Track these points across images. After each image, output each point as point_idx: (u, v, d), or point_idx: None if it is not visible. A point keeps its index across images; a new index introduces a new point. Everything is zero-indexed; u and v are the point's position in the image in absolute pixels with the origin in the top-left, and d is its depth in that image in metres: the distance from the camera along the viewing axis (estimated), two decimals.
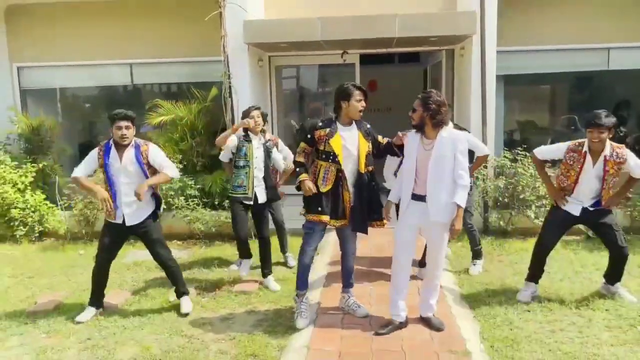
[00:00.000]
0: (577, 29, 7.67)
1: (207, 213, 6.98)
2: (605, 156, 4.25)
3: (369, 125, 4.19)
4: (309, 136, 4.05)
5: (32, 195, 7.30)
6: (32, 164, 7.54)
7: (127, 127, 4.22)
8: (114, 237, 4.43)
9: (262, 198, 5.07)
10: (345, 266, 4.36)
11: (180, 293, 4.64)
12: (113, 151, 4.28)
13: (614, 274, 4.55)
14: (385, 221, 4.14)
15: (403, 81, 11.10)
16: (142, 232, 4.44)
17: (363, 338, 3.87)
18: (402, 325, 4.00)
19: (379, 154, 4.23)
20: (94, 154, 4.34)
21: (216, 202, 7.06)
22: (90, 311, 4.48)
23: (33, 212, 7.22)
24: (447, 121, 3.77)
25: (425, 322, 4.06)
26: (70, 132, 8.80)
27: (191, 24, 7.75)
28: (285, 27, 6.69)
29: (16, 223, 7.13)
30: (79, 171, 4.31)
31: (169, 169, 4.37)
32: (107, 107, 8.99)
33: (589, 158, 4.30)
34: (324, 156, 4.02)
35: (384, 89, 12.42)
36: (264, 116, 5.19)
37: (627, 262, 4.51)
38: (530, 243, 4.98)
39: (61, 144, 8.30)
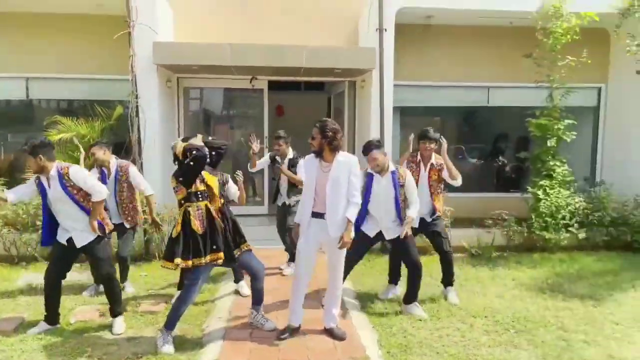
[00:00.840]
0: (462, 69, 8.62)
1: None
2: (431, 164, 5.24)
3: None
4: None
5: None
6: None
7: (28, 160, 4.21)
8: (62, 255, 4.40)
9: None
10: (256, 286, 4.49)
11: (116, 313, 4.56)
12: (44, 180, 4.25)
13: (445, 277, 5.38)
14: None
15: (308, 108, 11.57)
16: (89, 251, 4.41)
17: (271, 350, 4.06)
18: (298, 329, 4.38)
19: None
20: (31, 182, 4.34)
21: None
22: (43, 326, 4.48)
23: None
24: (342, 146, 4.21)
25: (329, 332, 4.34)
26: None
27: (96, 41, 7.68)
28: (197, 50, 6.85)
29: None
30: (10, 196, 4.33)
31: (94, 194, 4.27)
32: None
33: (422, 165, 5.26)
34: (201, 197, 4.07)
35: (290, 115, 12.84)
36: None
37: (452, 266, 5.34)
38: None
39: None
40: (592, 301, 5.36)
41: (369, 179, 4.81)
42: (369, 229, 4.90)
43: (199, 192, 4.06)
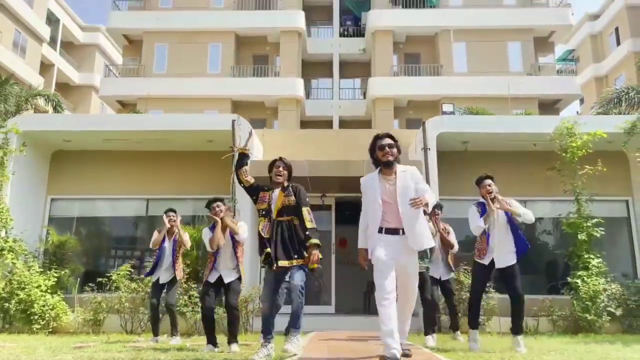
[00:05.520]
0: (499, 186, 10.10)
1: None
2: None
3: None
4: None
5: (52, 296, 8.45)
6: (55, 270, 8.84)
7: (218, 207, 5.96)
8: (211, 292, 5.81)
9: None
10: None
11: (234, 340, 5.71)
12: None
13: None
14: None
15: None
16: (230, 286, 5.81)
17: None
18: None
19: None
20: (206, 230, 6.03)
21: None
22: (210, 347, 5.72)
23: (51, 309, 8.30)
24: None
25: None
26: (81, 255, 10.19)
27: (199, 170, 10.03)
28: None
29: (36, 317, 8.14)
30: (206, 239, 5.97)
31: (241, 228, 5.96)
32: (119, 236, 10.64)
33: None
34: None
35: (352, 247, 14.41)
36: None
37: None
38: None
39: (75, 263, 9.72)
40: (622, 344, 6.06)
41: (482, 209, 5.57)
42: (486, 259, 5.46)
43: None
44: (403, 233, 4.29)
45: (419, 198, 4.17)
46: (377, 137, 4.53)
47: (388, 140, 4.45)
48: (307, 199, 5.06)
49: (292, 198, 4.97)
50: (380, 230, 4.31)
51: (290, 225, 4.91)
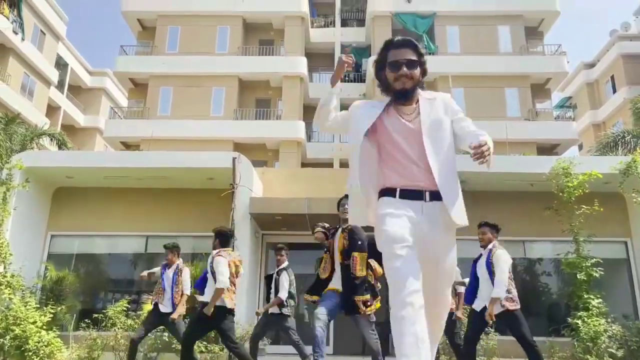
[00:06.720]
0: (501, 226, 10.17)
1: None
2: None
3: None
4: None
5: (47, 333, 8.37)
6: (52, 307, 8.79)
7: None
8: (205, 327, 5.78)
9: None
10: None
11: None
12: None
13: None
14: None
15: None
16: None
17: None
18: None
19: None
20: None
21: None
22: None
23: (46, 346, 8.21)
24: None
25: None
26: (79, 292, 10.16)
27: (199, 208, 10.10)
28: (282, 202, 9.02)
29: (30, 353, 8.04)
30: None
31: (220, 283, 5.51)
32: (118, 273, 10.61)
33: None
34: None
35: None
36: None
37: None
38: None
39: (72, 300, 9.67)
40: None
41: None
42: (478, 305, 5.31)
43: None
44: (431, 199, 2.54)
45: (484, 145, 2.36)
46: (389, 45, 2.71)
47: (407, 55, 2.63)
48: (361, 243, 4.80)
49: (347, 241, 4.88)
50: (389, 193, 2.54)
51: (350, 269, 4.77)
